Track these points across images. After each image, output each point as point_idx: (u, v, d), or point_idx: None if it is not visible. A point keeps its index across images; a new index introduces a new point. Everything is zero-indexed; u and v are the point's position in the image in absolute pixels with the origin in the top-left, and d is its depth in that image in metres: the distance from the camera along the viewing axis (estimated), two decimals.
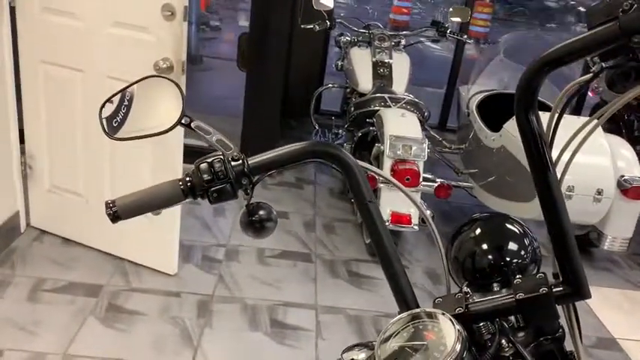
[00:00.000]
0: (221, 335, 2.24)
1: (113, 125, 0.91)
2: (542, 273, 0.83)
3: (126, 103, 0.94)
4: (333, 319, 2.43)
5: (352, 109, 3.20)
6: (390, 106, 2.97)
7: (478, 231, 0.99)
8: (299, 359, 2.16)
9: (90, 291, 2.39)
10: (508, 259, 0.94)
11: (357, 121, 3.13)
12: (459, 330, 0.72)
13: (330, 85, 4.09)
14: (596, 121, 0.80)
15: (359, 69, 3.40)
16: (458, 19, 3.62)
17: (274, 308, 2.44)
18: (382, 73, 3.31)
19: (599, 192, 2.49)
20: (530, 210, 2.65)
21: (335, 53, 4.08)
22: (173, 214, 2.45)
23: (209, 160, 0.82)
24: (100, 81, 2.35)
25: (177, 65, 2.21)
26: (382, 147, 2.62)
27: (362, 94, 3.28)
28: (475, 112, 3.32)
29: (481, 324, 0.86)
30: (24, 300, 2.29)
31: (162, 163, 2.35)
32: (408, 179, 2.52)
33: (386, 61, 3.37)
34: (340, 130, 3.80)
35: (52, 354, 2.03)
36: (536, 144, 0.76)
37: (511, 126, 2.82)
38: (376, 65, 3.34)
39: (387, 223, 2.52)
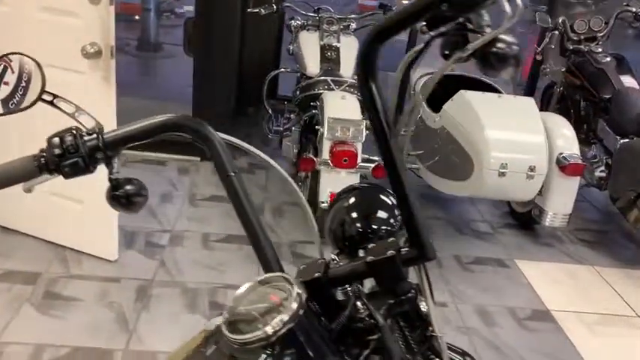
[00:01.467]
0: (158, 319, 2.25)
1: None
2: (394, 238, 0.86)
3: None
4: None
5: (298, 92, 3.21)
6: (333, 89, 2.99)
7: (350, 201, 1.03)
8: None
9: (27, 279, 2.38)
10: (375, 226, 0.97)
11: (302, 104, 3.14)
12: (298, 292, 0.75)
13: (282, 69, 4.08)
14: (421, 96, 0.83)
15: (307, 53, 3.40)
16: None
17: (215, 291, 2.46)
18: (329, 57, 3.31)
19: (532, 169, 2.55)
20: (467, 188, 2.71)
21: (290, 38, 4.08)
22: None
23: (60, 134, 0.83)
24: None
25: (105, 50, 2.19)
26: (322, 129, 2.64)
27: (310, 78, 3.30)
28: (419, 94, 3.36)
29: (339, 288, 0.90)
30: None
31: None
32: (345, 160, 2.54)
33: (333, 44, 3.38)
34: (292, 115, 3.81)
35: None
36: (376, 110, 0.78)
37: (449, 106, 2.86)
38: (324, 49, 3.34)
39: (326, 205, 2.55)
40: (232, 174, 0.88)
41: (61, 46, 2.21)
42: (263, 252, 0.88)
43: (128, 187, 0.89)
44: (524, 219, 3.31)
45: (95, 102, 2.27)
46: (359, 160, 2.60)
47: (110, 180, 0.88)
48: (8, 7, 2.27)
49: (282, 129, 3.59)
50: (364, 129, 2.61)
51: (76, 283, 2.39)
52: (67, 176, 0.84)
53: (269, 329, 0.66)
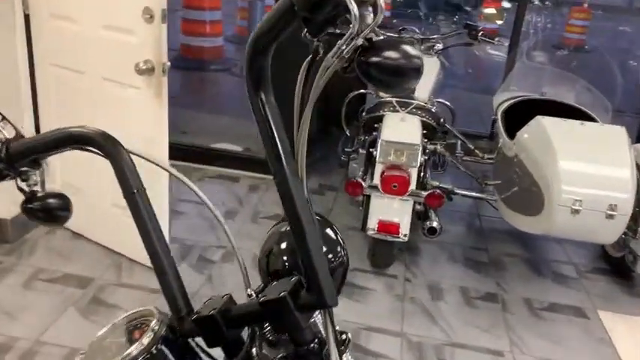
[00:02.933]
0: None
1: None
2: (299, 277, 0.75)
3: None
4: None
5: (364, 114, 3.10)
6: (397, 111, 2.84)
7: (281, 229, 0.92)
8: None
9: (80, 283, 2.49)
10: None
11: (366, 126, 3.03)
12: (153, 328, 0.68)
13: (361, 90, 4.00)
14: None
15: None
16: (492, 23, 3.41)
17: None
18: None
19: (613, 208, 2.21)
20: (538, 224, 2.42)
21: None
22: (161, 213, 2.50)
23: None
24: (97, 82, 2.46)
25: (157, 67, 2.25)
26: (375, 152, 2.51)
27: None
28: (500, 119, 3.10)
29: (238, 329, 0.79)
30: (19, 287, 2.44)
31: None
32: (395, 186, 2.39)
33: None
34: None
35: (25, 339, 2.13)
36: (267, 123, 0.68)
37: (523, 133, 2.59)
38: None
39: (373, 232, 2.41)
40: (136, 192, 0.80)
41: (118, 62, 2.31)
42: (168, 284, 0.79)
43: (50, 201, 0.86)
44: (618, 264, 2.90)
45: (148, 116, 2.36)
46: (412, 186, 2.43)
47: (21, 190, 0.85)
48: (80, 26, 2.43)
49: (351, 150, 3.49)
50: (420, 154, 2.44)
51: (122, 291, 2.46)
52: None
53: None
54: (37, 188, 0.86)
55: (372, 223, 2.47)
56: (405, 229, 2.46)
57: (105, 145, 0.83)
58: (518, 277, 2.90)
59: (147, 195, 0.83)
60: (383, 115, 2.85)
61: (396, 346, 2.29)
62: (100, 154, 0.83)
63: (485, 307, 2.60)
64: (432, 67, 3.32)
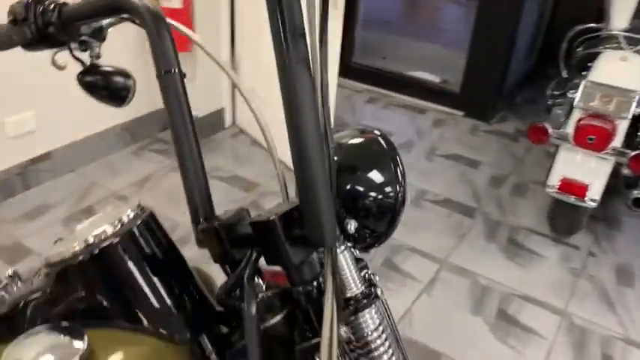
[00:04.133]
0: None
1: None
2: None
3: None
4: (454, 281, 2.11)
5: (579, 49, 2.57)
6: (621, 48, 2.28)
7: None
8: (396, 302, 1.96)
9: (246, 186, 2.60)
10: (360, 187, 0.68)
11: (580, 64, 2.51)
12: (129, 215, 0.61)
13: (591, 25, 3.34)
14: None
15: (618, 1, 2.68)
16: None
17: (396, 250, 2.25)
18: None
19: None
20: None
21: None
22: None
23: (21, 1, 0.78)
24: None
25: None
26: (575, 94, 2.05)
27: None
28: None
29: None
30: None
31: None
32: (590, 139, 1.93)
33: None
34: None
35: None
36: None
37: None
38: None
39: (552, 190, 2.03)
40: (171, 71, 0.70)
41: None
42: (188, 179, 0.69)
43: (112, 76, 0.81)
44: None
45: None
46: (615, 142, 1.95)
47: (79, 60, 0.80)
48: None
49: (558, 94, 2.97)
50: (634, 104, 1.93)
51: (272, 202, 2.50)
52: (23, 47, 0.79)
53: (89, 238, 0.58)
54: (98, 62, 0.80)
55: (554, 180, 2.06)
56: (594, 194, 2.01)
57: (146, 16, 0.72)
58: None
59: (183, 80, 0.71)
60: (600, 53, 2.32)
61: (553, 324, 1.94)
62: (140, 26, 0.73)
63: None
64: None
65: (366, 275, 0.69)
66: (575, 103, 2.01)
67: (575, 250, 2.33)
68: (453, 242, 2.32)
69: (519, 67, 3.75)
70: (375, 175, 0.68)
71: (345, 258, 0.63)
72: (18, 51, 0.79)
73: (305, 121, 0.51)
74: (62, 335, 0.52)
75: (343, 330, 0.57)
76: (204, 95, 2.91)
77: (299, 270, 0.58)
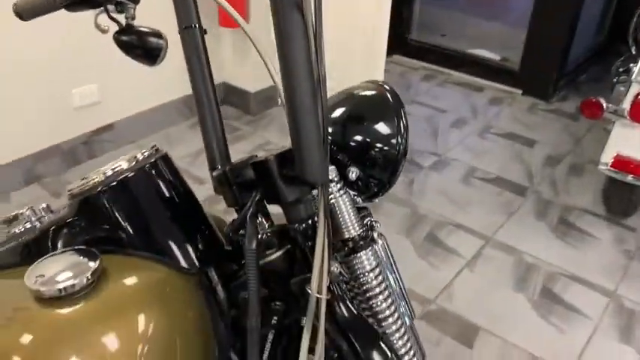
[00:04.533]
0: None
1: None
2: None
3: None
4: (499, 257, 2.08)
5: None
6: None
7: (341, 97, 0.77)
8: (437, 276, 1.97)
9: None
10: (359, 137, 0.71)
11: None
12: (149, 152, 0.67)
13: None
14: None
15: None
16: None
17: (441, 225, 2.24)
18: None
19: None
20: None
21: None
22: None
23: None
24: None
25: None
26: (635, 68, 1.96)
27: None
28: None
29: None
30: (245, 153, 2.72)
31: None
32: None
33: None
34: None
35: None
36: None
37: None
38: None
39: (604, 167, 1.97)
40: (191, 26, 0.75)
41: None
42: (206, 128, 0.74)
43: (147, 36, 0.86)
44: None
45: (370, 4, 2.25)
46: None
47: (115, 20, 0.86)
48: None
49: (622, 70, 2.82)
50: None
51: None
52: (65, 7, 0.86)
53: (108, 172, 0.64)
54: (133, 23, 0.86)
55: (607, 157, 1.99)
56: None
57: None
58: None
59: (203, 36, 0.76)
60: None
61: (600, 305, 1.88)
62: None
63: None
64: None
65: (369, 223, 0.72)
66: (634, 77, 1.92)
67: (630, 231, 2.24)
68: (501, 220, 2.29)
69: (586, 44, 3.59)
70: (379, 126, 0.70)
71: (343, 201, 0.66)
72: (83, 26, 0.86)
73: (296, 64, 0.54)
74: (79, 257, 0.58)
75: (335, 265, 0.60)
76: (257, 71, 2.98)
77: (295, 208, 0.62)
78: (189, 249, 0.65)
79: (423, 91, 3.38)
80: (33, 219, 0.66)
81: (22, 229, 0.67)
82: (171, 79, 2.42)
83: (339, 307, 0.63)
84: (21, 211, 0.69)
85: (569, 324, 1.81)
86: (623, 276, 2.02)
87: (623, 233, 2.23)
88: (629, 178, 1.98)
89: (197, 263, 0.65)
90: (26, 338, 0.54)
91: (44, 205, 0.69)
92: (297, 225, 0.62)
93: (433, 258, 2.07)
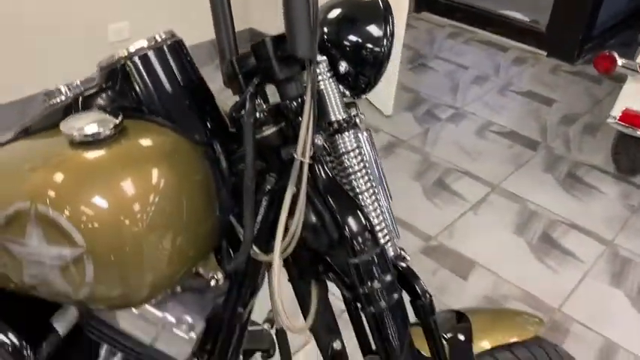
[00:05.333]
0: None
1: None
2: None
3: None
4: (503, 204, 2.17)
5: None
6: None
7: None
8: (441, 216, 2.07)
9: None
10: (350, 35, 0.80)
11: None
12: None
13: None
14: None
15: None
16: None
17: (450, 172, 2.32)
18: None
19: None
20: None
21: None
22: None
23: None
24: None
25: None
26: None
27: None
28: None
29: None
30: None
31: None
32: None
33: None
34: None
35: None
36: None
37: None
38: None
39: (613, 121, 2.02)
40: None
41: None
42: (217, 19, 0.83)
43: None
44: None
45: None
46: None
47: None
48: None
49: None
50: None
51: None
52: None
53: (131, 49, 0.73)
54: None
55: (616, 110, 2.03)
56: None
57: None
58: None
59: None
60: None
61: (595, 251, 1.96)
62: None
63: None
64: None
65: (357, 115, 0.81)
66: None
67: (636, 188, 2.29)
68: (510, 170, 2.36)
69: (617, 8, 3.55)
70: (370, 28, 0.79)
71: (330, 86, 0.76)
72: None
73: None
74: (106, 114, 0.70)
75: (319, 137, 0.70)
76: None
77: (288, 85, 0.71)
78: (200, 122, 0.76)
79: (447, 48, 3.41)
80: (69, 92, 0.78)
81: (59, 101, 0.79)
82: (199, 21, 2.52)
83: (321, 176, 0.73)
84: (59, 86, 0.81)
85: (564, 266, 1.90)
86: (622, 227, 2.09)
87: (630, 190, 2.28)
88: (638, 132, 2.03)
89: (205, 136, 0.76)
90: (59, 176, 0.66)
91: (78, 82, 0.81)
92: (288, 102, 0.72)
93: (439, 200, 2.16)
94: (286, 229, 0.71)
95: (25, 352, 0.76)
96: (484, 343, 0.88)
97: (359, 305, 0.73)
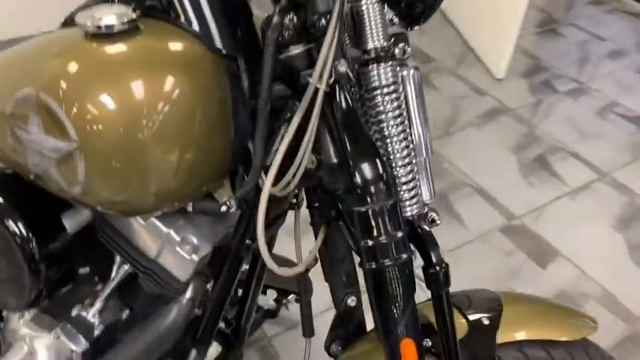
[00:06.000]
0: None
1: None
2: None
3: None
4: (608, 194, 1.91)
5: None
6: None
7: None
8: (532, 196, 1.88)
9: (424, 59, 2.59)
10: None
11: None
12: None
13: None
14: None
15: None
16: None
17: (556, 150, 2.09)
18: None
19: None
20: None
21: None
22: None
23: None
24: None
25: None
26: None
27: None
28: None
29: None
30: None
31: None
32: None
33: None
34: None
35: None
36: None
37: None
38: None
39: None
40: None
41: None
42: None
43: None
44: None
45: None
46: None
47: None
48: None
49: None
50: None
51: (444, 80, 2.45)
52: None
53: None
54: None
55: None
56: None
57: None
58: None
59: None
60: None
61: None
62: None
63: None
64: None
65: (403, 47, 0.70)
66: None
67: None
68: (626, 159, 2.07)
69: None
70: None
71: (372, 7, 0.65)
72: None
73: None
74: (126, 10, 0.66)
75: (343, 63, 0.61)
76: None
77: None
78: (227, 31, 0.69)
79: (586, 15, 3.03)
80: None
81: None
82: None
83: (341, 109, 0.64)
84: None
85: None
86: None
87: None
88: None
89: (231, 46, 0.69)
90: (62, 66, 0.63)
91: None
92: (317, 17, 0.63)
93: (535, 178, 1.96)
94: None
95: (30, 244, 0.77)
96: (516, 334, 0.76)
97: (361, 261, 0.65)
